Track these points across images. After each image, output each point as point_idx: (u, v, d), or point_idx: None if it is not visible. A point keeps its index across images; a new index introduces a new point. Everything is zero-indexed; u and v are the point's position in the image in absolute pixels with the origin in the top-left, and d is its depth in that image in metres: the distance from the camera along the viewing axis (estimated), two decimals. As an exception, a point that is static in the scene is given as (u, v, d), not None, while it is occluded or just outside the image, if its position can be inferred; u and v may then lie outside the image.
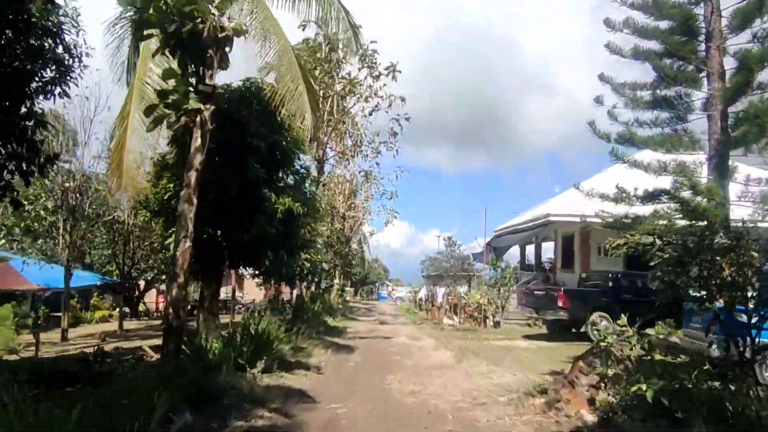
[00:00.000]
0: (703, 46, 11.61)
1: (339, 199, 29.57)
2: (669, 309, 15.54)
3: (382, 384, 9.51)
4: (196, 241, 13.33)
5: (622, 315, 14.95)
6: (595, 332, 15.49)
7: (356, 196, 31.19)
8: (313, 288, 30.43)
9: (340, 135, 22.75)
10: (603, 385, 6.92)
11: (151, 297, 34.01)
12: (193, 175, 7.61)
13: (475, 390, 8.87)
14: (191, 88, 7.41)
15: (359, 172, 25.06)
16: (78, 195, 18.80)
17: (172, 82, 7.69)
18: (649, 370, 6.23)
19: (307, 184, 14.83)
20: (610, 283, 16.06)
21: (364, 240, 44.45)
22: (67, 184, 18.66)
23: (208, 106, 7.77)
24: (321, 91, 19.87)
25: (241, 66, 12.85)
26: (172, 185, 11.84)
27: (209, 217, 12.38)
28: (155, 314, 31.71)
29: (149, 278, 30.58)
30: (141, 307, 32.95)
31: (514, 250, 28.45)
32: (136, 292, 32.36)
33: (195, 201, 7.63)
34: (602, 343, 7.06)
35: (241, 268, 15.73)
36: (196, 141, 7.69)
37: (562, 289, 15.86)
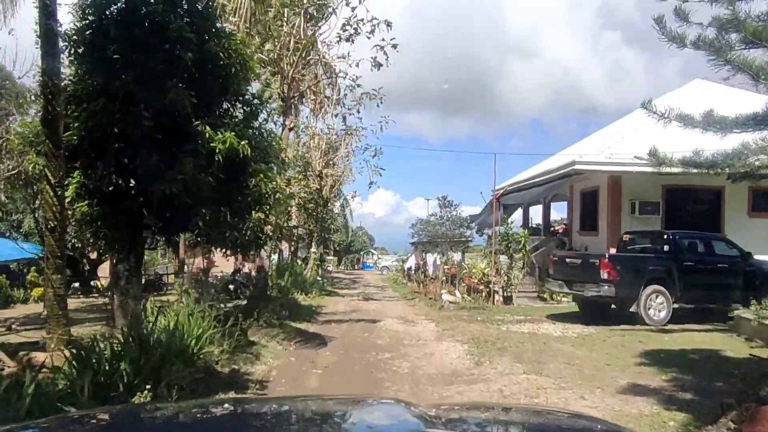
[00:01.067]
0: None
1: (315, 155, 25.35)
2: (751, 280, 12.02)
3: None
4: (101, 195, 9.59)
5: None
6: (649, 313, 11.71)
7: (336, 152, 26.82)
8: (290, 258, 26.58)
9: (308, 66, 18.21)
10: None
11: (106, 270, 29.76)
12: None
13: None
14: None
15: (336, 116, 20.62)
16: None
17: None
18: None
19: (261, 119, 10.97)
20: (666, 246, 12.12)
21: (346, 204, 40.15)
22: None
23: None
24: (283, 9, 15.57)
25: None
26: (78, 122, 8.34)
27: (117, 160, 8.93)
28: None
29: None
30: (99, 283, 28.60)
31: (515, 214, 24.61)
32: (87, 265, 27.97)
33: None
34: None
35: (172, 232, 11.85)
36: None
37: (607, 255, 11.84)
